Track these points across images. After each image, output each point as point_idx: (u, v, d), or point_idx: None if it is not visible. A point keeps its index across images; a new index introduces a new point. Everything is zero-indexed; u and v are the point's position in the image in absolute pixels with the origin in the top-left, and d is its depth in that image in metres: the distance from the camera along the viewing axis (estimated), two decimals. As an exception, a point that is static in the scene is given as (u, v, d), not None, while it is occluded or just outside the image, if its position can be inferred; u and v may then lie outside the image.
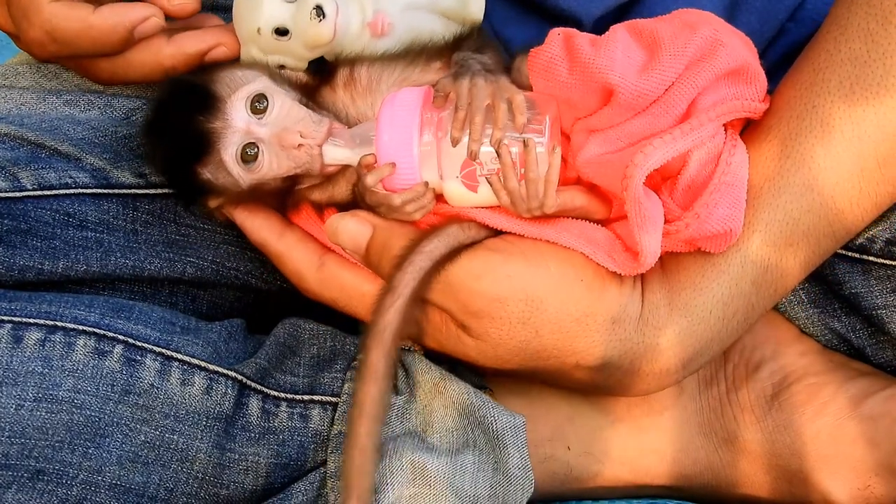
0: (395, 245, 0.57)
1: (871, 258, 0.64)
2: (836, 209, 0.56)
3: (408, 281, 0.54)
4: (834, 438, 0.64)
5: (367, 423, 0.53)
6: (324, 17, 0.60)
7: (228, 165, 0.58)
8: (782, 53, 0.69)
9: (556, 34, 0.57)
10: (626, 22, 0.58)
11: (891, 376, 0.66)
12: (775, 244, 0.56)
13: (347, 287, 0.60)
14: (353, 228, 0.58)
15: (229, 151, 0.57)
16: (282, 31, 0.62)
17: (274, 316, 0.67)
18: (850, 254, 0.64)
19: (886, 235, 0.63)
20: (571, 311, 0.55)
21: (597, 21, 0.69)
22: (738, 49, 0.57)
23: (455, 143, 0.54)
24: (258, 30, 0.62)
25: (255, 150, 0.57)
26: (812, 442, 0.64)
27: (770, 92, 0.60)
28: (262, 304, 0.70)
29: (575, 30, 0.57)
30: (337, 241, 0.59)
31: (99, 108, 0.69)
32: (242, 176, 0.58)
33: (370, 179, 0.56)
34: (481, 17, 0.66)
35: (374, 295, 0.56)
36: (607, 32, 0.56)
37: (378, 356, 0.54)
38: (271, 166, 0.58)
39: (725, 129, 0.57)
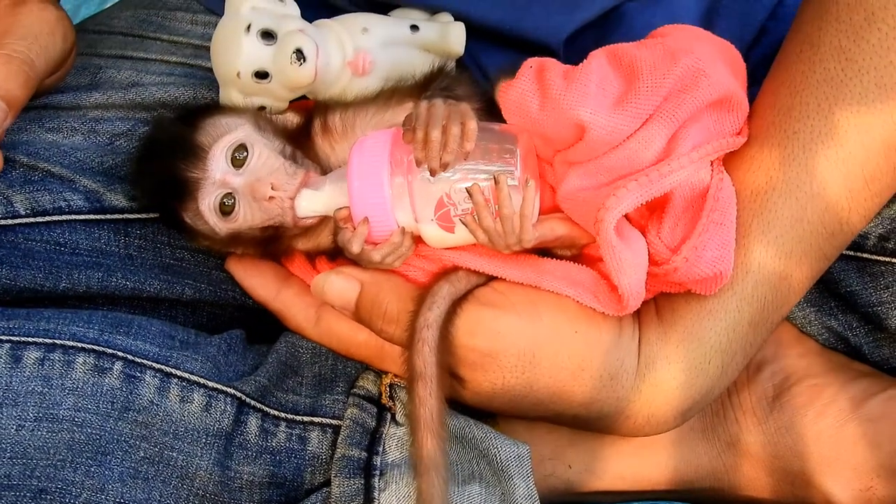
0: (384, 302, 0.57)
1: (864, 255, 0.64)
2: (826, 233, 0.56)
3: (430, 361, 0.54)
4: (835, 440, 0.64)
5: None
6: (304, 60, 0.59)
7: (205, 215, 0.59)
8: (766, 53, 0.68)
9: (529, 66, 0.56)
10: (605, 47, 0.57)
11: (891, 377, 0.66)
12: (769, 280, 0.55)
13: (344, 338, 0.62)
14: (339, 287, 0.58)
15: (206, 202, 0.58)
16: (262, 75, 0.61)
17: (274, 326, 0.67)
18: (844, 251, 0.63)
19: (879, 231, 0.63)
20: (566, 364, 0.55)
21: (569, 40, 0.68)
22: (722, 77, 0.56)
23: (419, 163, 0.54)
24: (238, 73, 0.61)
25: (233, 200, 0.58)
26: (814, 443, 0.64)
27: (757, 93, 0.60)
28: (263, 314, 0.70)
29: (550, 59, 0.56)
30: (325, 300, 0.59)
31: (82, 133, 0.69)
32: (219, 225, 0.59)
33: (355, 247, 0.56)
34: (462, 50, 0.66)
35: (400, 363, 0.56)
36: (584, 62, 0.55)
37: (433, 445, 0.54)
38: (246, 217, 0.59)
39: (711, 161, 0.56)
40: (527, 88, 0.55)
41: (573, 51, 0.68)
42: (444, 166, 0.53)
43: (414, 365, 0.54)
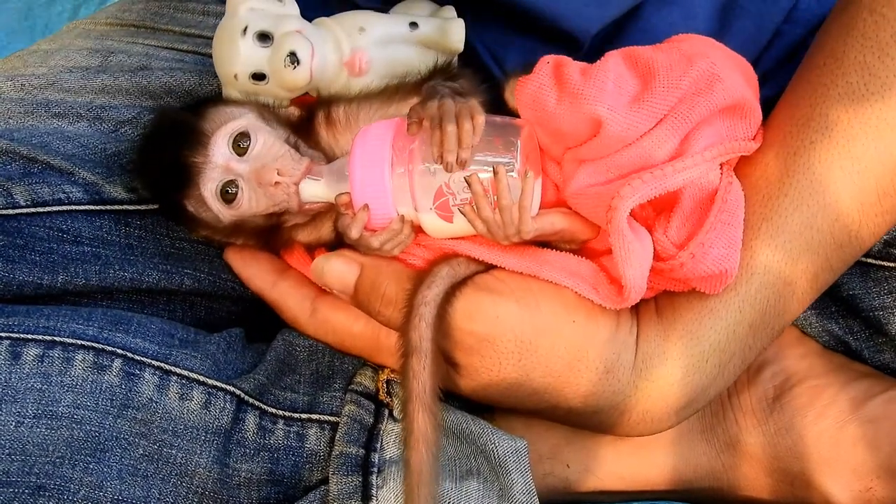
0: (383, 284, 0.57)
1: (869, 260, 0.64)
2: (835, 244, 0.56)
3: (425, 336, 0.54)
4: (835, 441, 0.64)
5: (425, 489, 0.53)
6: (298, 63, 0.60)
7: (208, 201, 0.59)
8: (779, 56, 0.68)
9: (546, 62, 0.56)
10: (621, 49, 0.57)
11: (891, 378, 0.66)
12: (773, 286, 0.55)
13: (339, 330, 0.62)
14: (339, 269, 0.58)
15: (208, 187, 0.59)
16: (259, 76, 0.61)
17: (272, 322, 0.67)
18: None
19: (884, 237, 0.63)
20: (562, 354, 0.55)
21: (593, 38, 0.68)
22: (736, 84, 0.56)
23: (438, 160, 0.54)
24: (235, 76, 0.61)
25: (235, 188, 0.58)
26: (814, 444, 0.64)
27: (770, 96, 0.60)
28: (261, 309, 0.70)
29: (566, 57, 0.56)
30: (324, 283, 0.59)
31: (88, 120, 0.69)
32: (222, 212, 0.59)
33: (354, 232, 0.56)
34: (461, 46, 0.65)
35: (396, 355, 0.56)
36: (600, 60, 0.55)
37: (424, 420, 0.54)
38: (250, 204, 0.59)
39: (721, 165, 0.56)
40: (544, 83, 0.55)
41: (590, 44, 0.68)
42: (463, 164, 0.53)
43: (409, 339, 0.54)
